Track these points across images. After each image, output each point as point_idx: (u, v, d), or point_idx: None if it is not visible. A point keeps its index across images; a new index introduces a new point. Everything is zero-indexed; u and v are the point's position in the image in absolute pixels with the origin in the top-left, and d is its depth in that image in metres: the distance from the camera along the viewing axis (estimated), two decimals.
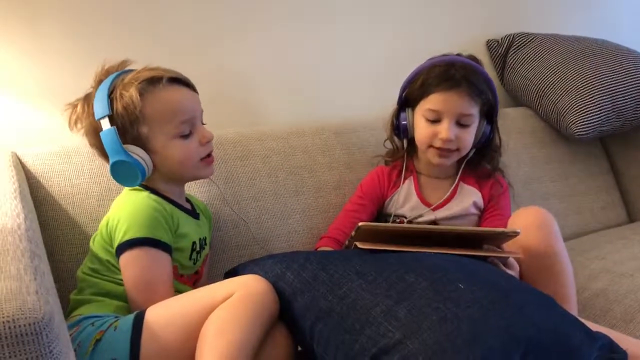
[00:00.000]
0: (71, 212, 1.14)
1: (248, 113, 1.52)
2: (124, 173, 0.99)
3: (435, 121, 1.21)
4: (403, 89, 1.29)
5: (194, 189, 1.23)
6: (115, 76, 1.02)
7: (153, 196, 1.02)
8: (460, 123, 1.20)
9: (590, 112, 1.64)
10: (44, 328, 0.50)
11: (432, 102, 1.21)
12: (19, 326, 0.49)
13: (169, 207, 1.02)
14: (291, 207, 1.33)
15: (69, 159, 1.17)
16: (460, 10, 1.83)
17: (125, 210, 1.00)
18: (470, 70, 1.21)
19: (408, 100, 1.27)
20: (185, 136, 1.02)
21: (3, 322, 0.49)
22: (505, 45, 1.85)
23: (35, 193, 1.12)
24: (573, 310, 1.09)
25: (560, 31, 1.90)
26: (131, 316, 0.88)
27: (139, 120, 0.99)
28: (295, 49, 1.57)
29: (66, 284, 1.05)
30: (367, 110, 1.48)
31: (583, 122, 1.65)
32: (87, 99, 1.03)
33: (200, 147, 1.04)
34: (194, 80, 1.09)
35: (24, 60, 1.25)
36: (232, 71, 1.49)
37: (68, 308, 0.99)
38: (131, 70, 1.04)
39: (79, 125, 1.04)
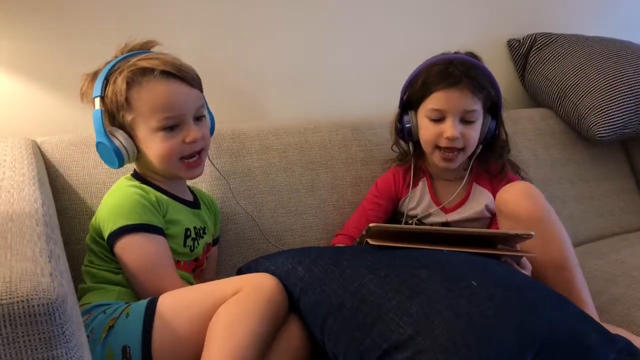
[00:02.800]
0: (88, 201, 1.15)
1: (265, 108, 1.53)
2: (104, 155, 1.01)
3: (439, 120, 1.20)
4: (403, 92, 1.28)
5: (205, 183, 1.24)
6: (122, 58, 1.02)
7: (139, 184, 1.02)
8: (465, 120, 1.19)
9: (612, 114, 1.62)
10: (57, 309, 0.51)
11: (434, 101, 1.20)
12: (33, 306, 0.50)
13: (154, 194, 1.02)
14: (306, 203, 1.33)
15: (87, 148, 1.18)
16: (481, 9, 1.82)
17: (111, 201, 1.01)
18: (469, 66, 1.20)
19: (410, 102, 1.26)
20: (169, 130, 1.00)
21: (17, 302, 0.50)
22: (526, 45, 1.84)
23: (54, 182, 1.14)
24: (578, 274, 1.09)
25: (583, 32, 1.87)
26: (143, 303, 0.89)
27: (124, 108, 0.99)
28: (314, 45, 1.57)
29: (81, 272, 1.06)
30: (384, 108, 1.46)
31: (604, 124, 1.62)
32: (94, 75, 1.04)
33: (183, 145, 1.01)
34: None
35: (47, 49, 1.27)
36: (250, 66, 1.49)
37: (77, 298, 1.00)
38: (143, 53, 1.04)
39: (84, 100, 1.05)
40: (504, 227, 1.14)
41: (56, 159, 1.16)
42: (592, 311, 1.07)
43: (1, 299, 0.50)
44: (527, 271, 1.05)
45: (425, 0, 1.72)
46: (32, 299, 0.50)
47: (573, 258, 1.10)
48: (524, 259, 1.05)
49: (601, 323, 0.89)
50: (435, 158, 1.23)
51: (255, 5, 1.48)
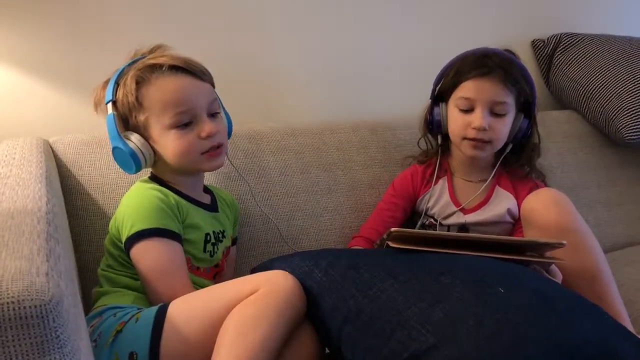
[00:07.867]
0: (100, 202, 1.13)
1: (282, 108, 1.51)
2: (121, 159, 0.99)
3: (469, 110, 1.18)
4: (437, 82, 1.26)
5: (224, 183, 1.22)
6: (131, 62, 1.01)
7: (158, 187, 1.00)
8: (494, 112, 1.16)
9: None
10: (51, 311, 0.47)
11: (464, 89, 1.18)
12: (24, 308, 0.46)
13: (174, 197, 0.99)
14: (323, 205, 1.30)
15: (99, 148, 1.17)
16: (505, 8, 1.79)
17: (130, 204, 0.98)
18: (505, 59, 1.18)
19: (442, 94, 1.24)
20: (183, 127, 0.97)
21: (8, 303, 0.46)
22: (551, 46, 1.79)
23: (65, 182, 1.12)
24: (611, 285, 1.05)
25: (609, 31, 1.82)
26: (154, 309, 0.86)
27: (136, 108, 0.97)
28: (332, 46, 1.55)
29: (93, 274, 1.04)
30: (404, 109, 1.45)
31: (634, 125, 1.57)
32: (105, 83, 1.02)
33: (200, 141, 0.98)
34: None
35: (60, 48, 1.26)
36: (266, 68, 1.47)
37: (92, 301, 0.99)
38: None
39: (99, 109, 1.04)
40: (531, 237, 1.09)
41: (68, 159, 1.15)
42: (627, 323, 1.03)
43: None
44: (558, 279, 1.00)
45: (448, 1, 1.68)
46: (23, 299, 0.47)
47: (606, 269, 1.06)
48: (554, 267, 1.00)
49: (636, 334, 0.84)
50: (464, 147, 1.20)
51: (271, 5, 1.46)
